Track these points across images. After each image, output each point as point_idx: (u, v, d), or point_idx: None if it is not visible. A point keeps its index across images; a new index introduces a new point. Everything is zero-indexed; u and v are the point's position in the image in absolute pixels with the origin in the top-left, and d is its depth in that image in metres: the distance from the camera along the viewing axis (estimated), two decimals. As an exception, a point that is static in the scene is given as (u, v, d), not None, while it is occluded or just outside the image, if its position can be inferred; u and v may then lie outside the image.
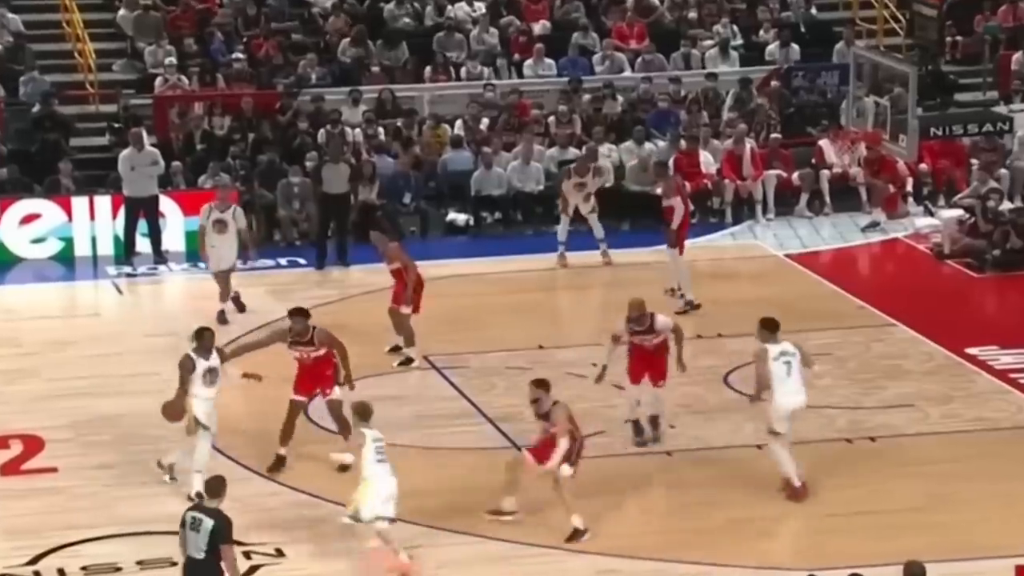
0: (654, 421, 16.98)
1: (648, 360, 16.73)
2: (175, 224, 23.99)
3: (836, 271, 23.06)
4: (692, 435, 17.24)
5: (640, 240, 23.88)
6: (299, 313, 16.54)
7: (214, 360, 15.71)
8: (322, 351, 16.32)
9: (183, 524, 12.48)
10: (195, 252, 22.99)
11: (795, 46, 28.23)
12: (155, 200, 23.61)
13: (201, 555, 12.29)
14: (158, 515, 15.21)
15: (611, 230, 23.97)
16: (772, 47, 28.29)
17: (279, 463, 16.34)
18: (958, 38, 29.18)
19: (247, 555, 14.58)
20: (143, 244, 23.78)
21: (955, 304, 21.69)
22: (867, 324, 20.42)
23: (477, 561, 14.64)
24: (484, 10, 28.42)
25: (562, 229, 23.08)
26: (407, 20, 28.35)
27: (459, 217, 25.14)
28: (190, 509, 12.64)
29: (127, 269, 23.35)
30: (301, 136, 25.57)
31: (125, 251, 23.67)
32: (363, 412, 14.49)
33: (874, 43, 27.75)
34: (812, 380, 18.29)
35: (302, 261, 23.59)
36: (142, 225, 23.63)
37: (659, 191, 21.68)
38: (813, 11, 29.52)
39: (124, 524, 15.22)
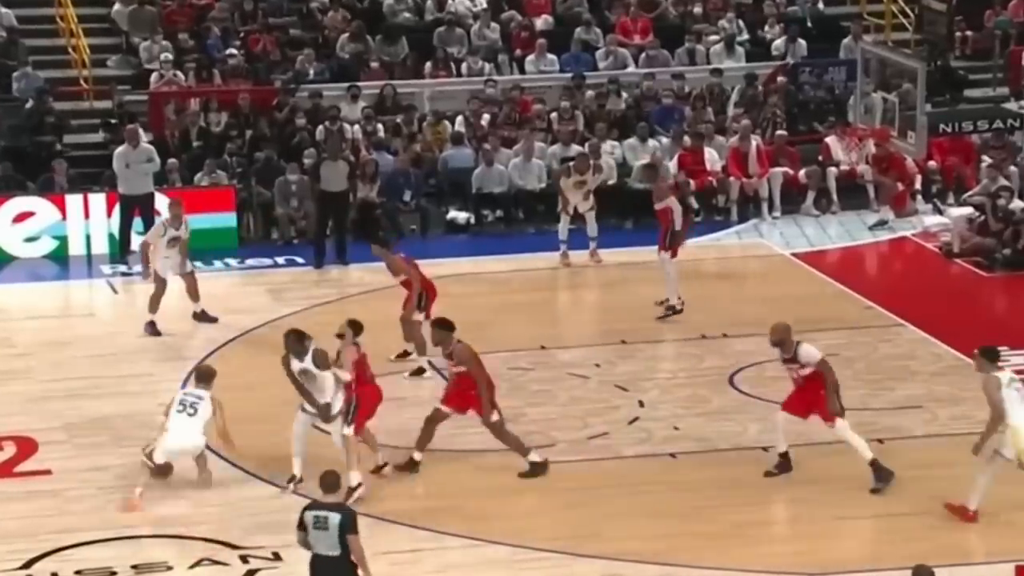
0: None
1: (799, 392, 15.82)
2: (172, 222, 23.71)
3: (843, 270, 22.83)
4: (697, 437, 17.01)
5: (643, 239, 23.57)
6: (439, 324, 16.17)
7: (307, 363, 15.64)
8: (462, 368, 15.84)
9: (302, 526, 12.44)
10: (191, 252, 22.73)
11: (802, 41, 27.98)
12: (151, 198, 23.37)
13: (337, 552, 12.30)
14: (153, 518, 15.12)
15: (614, 229, 23.75)
16: (778, 42, 28.03)
17: (411, 464, 16.06)
18: (968, 33, 28.95)
19: (244, 559, 14.46)
20: (138, 242, 23.48)
21: (964, 304, 21.45)
22: (875, 324, 20.18)
23: (479, 565, 14.46)
24: (485, 5, 28.19)
25: (563, 228, 22.81)
26: (407, 15, 28.11)
27: (460, 215, 24.90)
28: (307, 509, 12.54)
29: (122, 268, 23.16)
30: (299, 133, 25.32)
31: (120, 250, 23.46)
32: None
33: (882, 38, 27.52)
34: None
35: (300, 260, 23.37)
36: (137, 223, 23.38)
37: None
38: (820, 6, 29.29)
39: (119, 527, 15.05)
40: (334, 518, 12.35)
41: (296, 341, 15.79)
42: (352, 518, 12.41)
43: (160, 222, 21.05)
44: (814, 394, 15.70)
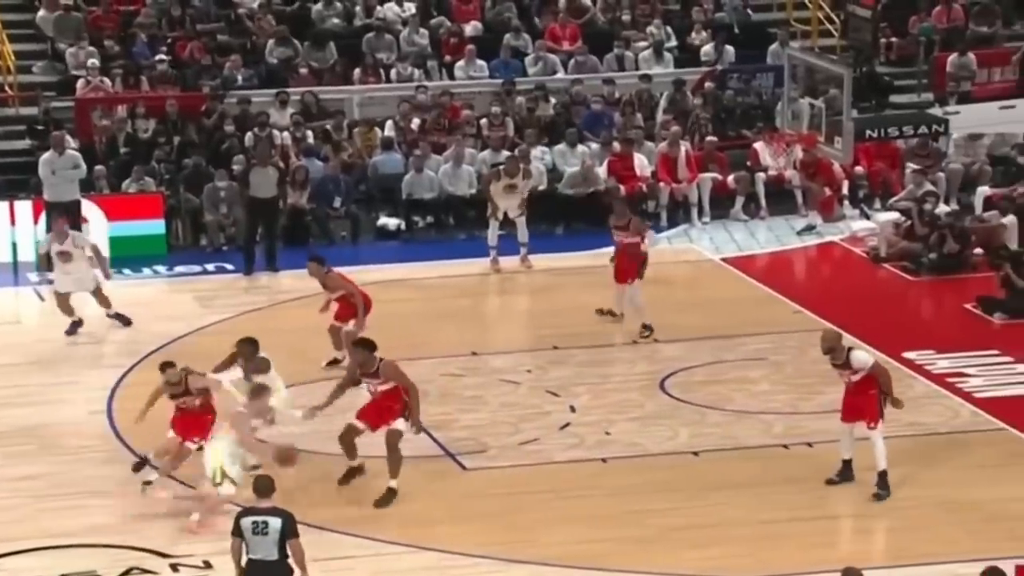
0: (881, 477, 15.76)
1: (851, 399, 15.85)
2: (99, 229, 23.55)
3: (772, 275, 22.93)
4: (628, 442, 17.04)
5: (574, 245, 23.67)
6: (362, 344, 15.98)
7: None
8: (389, 385, 15.73)
9: (238, 532, 12.40)
10: (118, 259, 22.63)
11: (729, 48, 28.09)
12: (77, 205, 23.18)
13: (274, 556, 12.33)
14: (83, 528, 15.00)
15: (544, 235, 23.77)
16: (706, 48, 28.14)
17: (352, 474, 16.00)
18: (893, 39, 29.15)
19: (174, 567, 14.38)
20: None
21: (892, 308, 21.60)
22: (803, 328, 20.26)
23: (412, 571, 14.44)
24: (414, 11, 28.13)
25: (492, 234, 22.80)
26: (336, 20, 28.01)
27: (390, 221, 24.84)
28: (243, 515, 12.52)
29: (49, 276, 22.86)
30: (228, 139, 25.18)
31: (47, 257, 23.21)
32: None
33: (809, 44, 27.66)
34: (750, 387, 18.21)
35: (229, 267, 23.24)
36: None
37: (619, 228, 20.29)
38: (748, 12, 29.40)
39: (48, 537, 14.91)
40: (275, 522, 12.33)
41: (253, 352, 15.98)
42: (292, 522, 12.39)
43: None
44: (864, 397, 15.70)
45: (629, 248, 20.09)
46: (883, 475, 15.64)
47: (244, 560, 12.51)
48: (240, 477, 14.84)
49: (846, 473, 15.94)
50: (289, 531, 12.32)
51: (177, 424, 15.77)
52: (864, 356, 15.83)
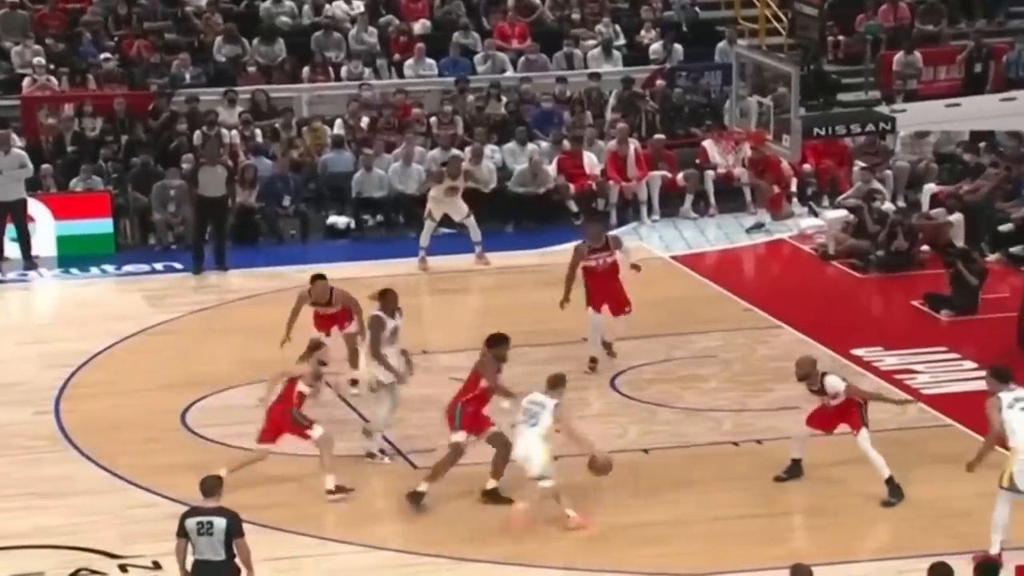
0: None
1: (826, 411, 15.84)
2: (46, 229, 23.44)
3: (721, 273, 23.00)
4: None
5: (524, 243, 23.67)
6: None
7: (399, 320, 16.51)
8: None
9: (183, 533, 12.35)
10: (66, 257, 22.50)
11: (678, 46, 28.17)
12: (23, 204, 23.04)
13: (221, 556, 12.30)
14: (31, 529, 14.91)
15: (495, 233, 23.76)
16: (655, 47, 28.20)
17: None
18: (840, 38, 29.30)
19: (123, 568, 14.32)
20: (12, 249, 23.17)
21: (840, 305, 21.69)
22: (753, 326, 20.36)
23: (362, 570, 14.42)
24: (363, 9, 28.07)
25: (426, 234, 22.77)
26: (284, 18, 27.93)
27: (340, 220, 24.79)
28: (187, 516, 12.45)
29: (-3, 276, 22.80)
30: (177, 138, 25.06)
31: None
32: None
33: (756, 43, 27.72)
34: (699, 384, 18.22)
35: (178, 266, 23.14)
36: (10, 230, 23.05)
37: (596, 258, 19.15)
38: (696, 10, 29.47)
39: (-4, 538, 14.81)
40: (219, 522, 12.28)
41: (394, 299, 16.47)
42: (237, 521, 12.36)
43: None
44: (843, 411, 15.73)
45: (612, 268, 19.01)
46: (889, 481, 15.54)
47: (190, 561, 12.46)
48: (550, 468, 14.87)
49: (794, 470, 16.01)
50: (234, 531, 12.29)
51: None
52: (836, 381, 15.78)
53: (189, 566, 12.48)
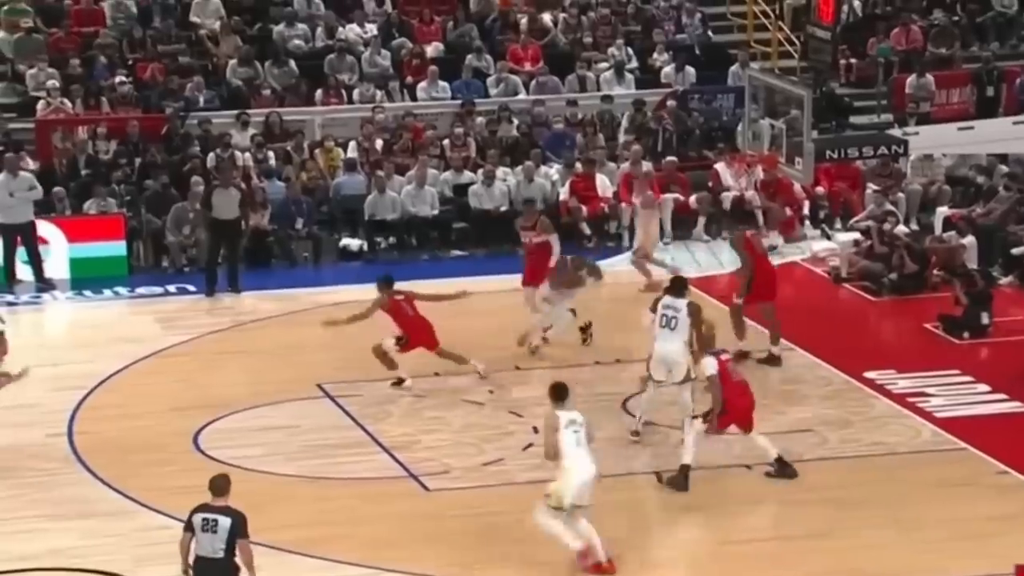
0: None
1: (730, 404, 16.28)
2: (59, 251, 23.49)
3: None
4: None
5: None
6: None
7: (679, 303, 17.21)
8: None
9: (190, 527, 12.52)
10: (79, 280, 22.53)
11: (690, 69, 28.21)
12: (31, 226, 23.12)
13: (220, 554, 12.44)
14: (44, 551, 14.89)
15: (508, 255, 23.71)
16: (667, 70, 28.23)
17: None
18: (852, 61, 29.33)
19: (134, 591, 14.25)
20: (24, 271, 23.23)
21: (853, 328, 21.66)
22: (765, 349, 20.27)
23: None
24: (376, 32, 28.15)
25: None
26: (297, 41, 28.01)
27: (352, 242, 24.82)
28: (196, 511, 12.60)
29: (9, 297, 22.81)
30: (191, 160, 25.13)
31: (5, 278, 23.11)
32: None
33: (769, 66, 27.76)
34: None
35: (191, 288, 23.17)
36: (22, 252, 23.11)
37: (527, 230, 20.40)
38: (708, 34, 29.51)
39: (8, 560, 14.80)
40: (224, 521, 12.44)
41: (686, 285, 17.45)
42: (243, 522, 12.49)
43: None
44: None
45: (539, 248, 20.14)
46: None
47: (192, 557, 12.62)
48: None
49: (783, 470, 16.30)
50: (239, 531, 12.44)
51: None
52: (709, 363, 16.20)
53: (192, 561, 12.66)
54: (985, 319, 20.91)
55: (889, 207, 24.74)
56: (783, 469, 16.34)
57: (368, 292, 22.66)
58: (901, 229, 24.17)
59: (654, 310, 17.56)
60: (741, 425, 16.26)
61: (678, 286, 17.62)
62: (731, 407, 16.10)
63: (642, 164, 25.50)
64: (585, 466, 14.33)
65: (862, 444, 17.50)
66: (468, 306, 22.54)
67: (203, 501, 12.61)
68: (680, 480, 16.08)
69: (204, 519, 12.51)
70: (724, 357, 16.32)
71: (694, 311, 17.23)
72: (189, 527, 12.59)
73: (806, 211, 25.60)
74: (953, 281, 21.55)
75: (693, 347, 16.98)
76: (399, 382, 18.84)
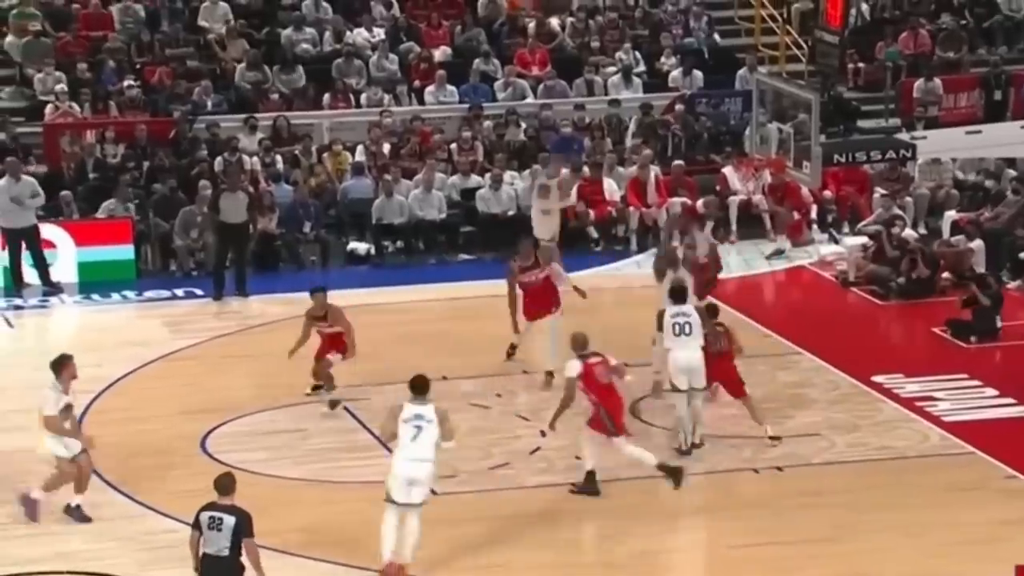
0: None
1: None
2: (67, 255, 23.51)
3: (741, 299, 22.92)
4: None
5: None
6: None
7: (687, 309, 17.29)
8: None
9: (197, 525, 12.68)
10: (87, 284, 22.56)
11: (698, 73, 28.21)
12: (35, 230, 23.13)
13: (226, 553, 12.59)
14: (51, 554, 14.92)
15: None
16: (675, 74, 28.23)
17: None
18: (860, 65, 29.31)
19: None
20: (32, 275, 23.26)
21: (860, 332, 21.64)
22: (772, 353, 20.31)
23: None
24: (383, 36, 28.17)
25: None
26: (305, 46, 28.03)
27: (360, 246, 24.83)
28: (203, 510, 12.76)
29: (16, 301, 22.84)
30: (199, 164, 25.15)
31: (13, 282, 23.13)
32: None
33: (776, 69, 27.76)
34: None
35: (199, 292, 23.18)
36: (28, 257, 23.14)
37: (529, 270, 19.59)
38: (716, 37, 29.51)
39: (14, 564, 14.81)
40: (229, 520, 12.57)
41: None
42: (248, 521, 12.61)
43: None
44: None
45: (547, 282, 19.42)
46: (662, 467, 16.01)
47: (200, 555, 12.75)
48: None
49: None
50: (244, 530, 12.57)
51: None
52: (572, 366, 16.08)
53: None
54: (998, 322, 20.91)
55: (897, 211, 24.72)
56: (590, 487, 16.17)
57: (374, 295, 22.83)
58: (909, 233, 24.15)
59: (660, 327, 17.49)
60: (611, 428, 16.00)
61: (680, 294, 17.54)
62: (604, 408, 15.95)
63: (649, 168, 25.51)
64: (407, 464, 14.21)
65: (870, 448, 17.49)
66: (476, 310, 22.63)
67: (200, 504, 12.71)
68: (589, 486, 16.12)
69: (210, 517, 12.65)
70: (593, 361, 16.09)
71: (703, 313, 17.25)
72: (196, 525, 12.74)
73: (814, 215, 25.59)
74: (969, 284, 21.52)
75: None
76: (316, 389, 18.67)
